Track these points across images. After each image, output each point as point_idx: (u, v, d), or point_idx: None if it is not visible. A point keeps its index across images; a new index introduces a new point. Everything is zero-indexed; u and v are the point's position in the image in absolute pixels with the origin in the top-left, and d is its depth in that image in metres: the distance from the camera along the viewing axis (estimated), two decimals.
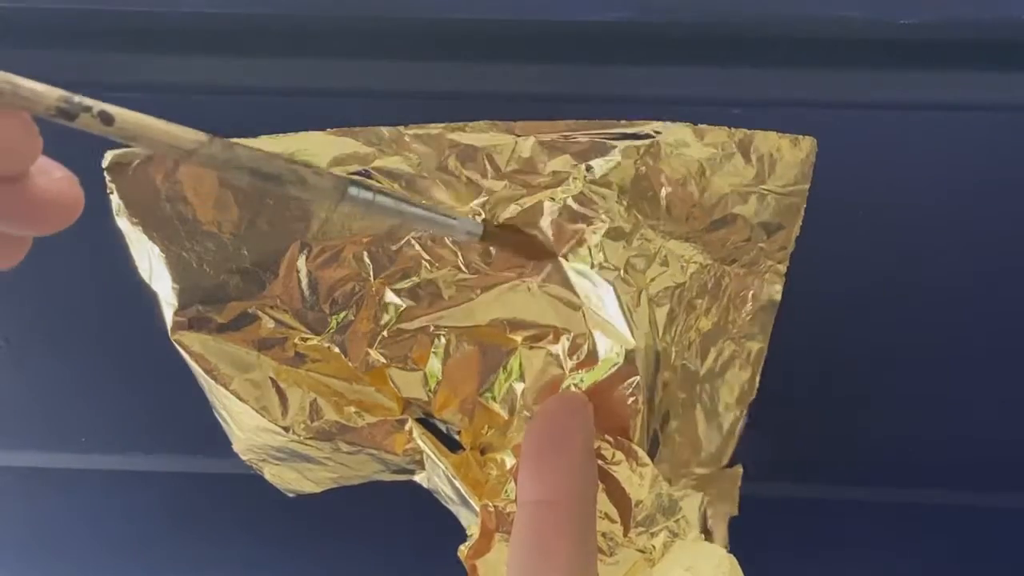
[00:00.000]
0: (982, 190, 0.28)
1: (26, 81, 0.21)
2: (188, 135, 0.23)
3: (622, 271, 0.26)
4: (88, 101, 0.22)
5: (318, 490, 0.29)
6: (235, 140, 0.23)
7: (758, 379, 0.29)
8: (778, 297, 0.28)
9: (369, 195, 0.24)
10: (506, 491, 0.26)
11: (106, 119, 0.22)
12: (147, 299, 0.27)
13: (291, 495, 0.30)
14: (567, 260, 0.27)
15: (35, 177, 0.22)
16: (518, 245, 0.27)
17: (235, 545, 0.40)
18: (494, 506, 0.26)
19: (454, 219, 0.25)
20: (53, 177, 0.23)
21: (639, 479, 0.26)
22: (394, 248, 0.27)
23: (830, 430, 0.32)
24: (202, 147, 0.23)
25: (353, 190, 0.24)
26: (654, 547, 0.26)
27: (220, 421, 0.28)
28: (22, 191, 0.22)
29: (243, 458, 0.29)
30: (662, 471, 0.28)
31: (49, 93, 0.21)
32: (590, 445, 0.26)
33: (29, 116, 0.21)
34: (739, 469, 0.29)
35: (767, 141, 0.27)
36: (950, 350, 0.30)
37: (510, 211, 0.27)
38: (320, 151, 0.26)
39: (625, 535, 0.26)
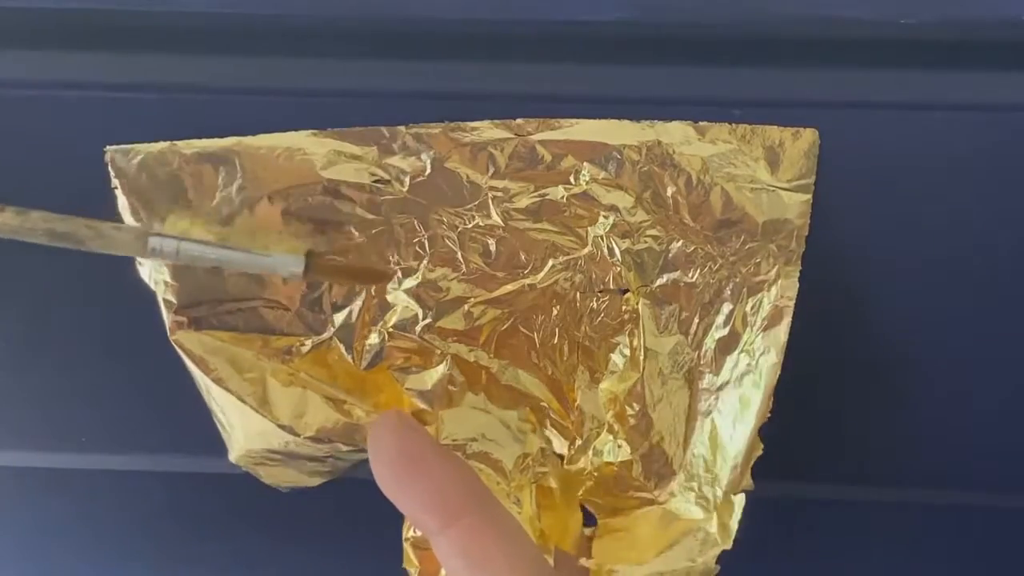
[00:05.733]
0: (982, 190, 0.28)
1: None
2: None
3: None
4: None
5: (314, 484, 0.29)
6: (35, 212, 0.23)
7: (771, 398, 0.28)
8: (791, 303, 0.27)
9: (173, 245, 0.24)
10: None
11: None
12: (147, 298, 0.27)
13: (286, 490, 0.30)
14: None
15: None
16: (348, 271, 0.27)
17: (236, 544, 0.40)
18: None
19: (271, 258, 0.25)
20: None
21: None
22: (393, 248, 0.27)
23: (831, 430, 0.32)
24: None
25: (155, 241, 0.24)
26: None
27: (219, 428, 0.28)
28: None
29: (239, 465, 0.29)
30: (678, 479, 0.28)
31: None
32: (433, 444, 0.25)
33: None
34: (742, 499, 0.28)
35: (768, 136, 0.27)
36: (950, 350, 0.30)
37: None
38: (317, 151, 0.26)
39: None
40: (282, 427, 0.27)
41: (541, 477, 0.28)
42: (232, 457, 0.29)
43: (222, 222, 0.26)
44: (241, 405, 0.27)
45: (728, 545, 0.27)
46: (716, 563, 0.27)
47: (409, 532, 0.27)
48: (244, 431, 0.28)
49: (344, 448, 0.28)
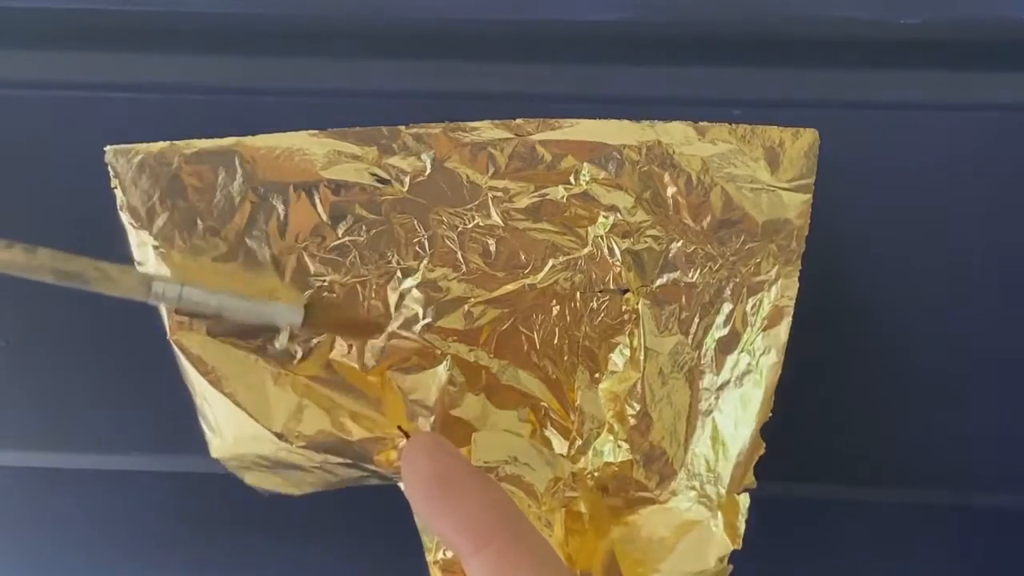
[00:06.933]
0: (982, 190, 0.28)
1: None
2: None
3: None
4: None
5: (298, 493, 0.29)
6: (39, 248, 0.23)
7: (772, 398, 0.28)
8: (791, 303, 0.27)
9: (175, 290, 0.25)
10: None
11: None
12: None
13: (267, 495, 0.29)
14: None
15: None
16: (345, 324, 0.27)
17: (236, 544, 0.40)
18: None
19: (271, 307, 0.25)
20: None
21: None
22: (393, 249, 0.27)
23: (830, 430, 0.32)
24: (2, 252, 0.23)
25: (158, 287, 0.24)
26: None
27: (203, 426, 0.28)
28: None
29: (224, 464, 0.28)
30: (679, 478, 0.28)
31: None
32: (468, 467, 0.25)
33: None
34: (746, 498, 0.28)
35: (768, 136, 0.27)
36: (950, 350, 0.30)
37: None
38: (317, 151, 0.26)
39: None
40: (275, 434, 0.27)
41: (571, 501, 0.28)
42: (214, 455, 0.28)
43: (221, 219, 0.26)
44: (235, 408, 0.27)
45: (737, 544, 0.27)
46: (728, 563, 0.27)
47: (438, 554, 0.27)
48: (235, 434, 0.27)
49: (334, 460, 0.27)
